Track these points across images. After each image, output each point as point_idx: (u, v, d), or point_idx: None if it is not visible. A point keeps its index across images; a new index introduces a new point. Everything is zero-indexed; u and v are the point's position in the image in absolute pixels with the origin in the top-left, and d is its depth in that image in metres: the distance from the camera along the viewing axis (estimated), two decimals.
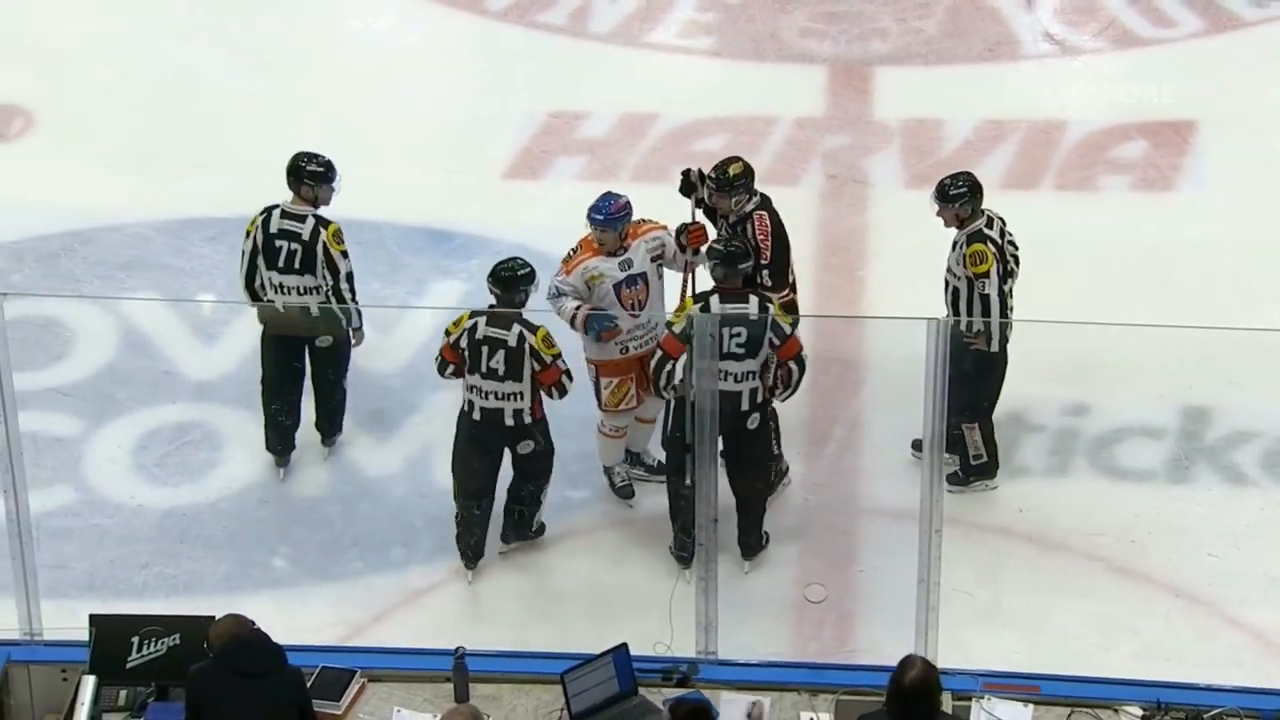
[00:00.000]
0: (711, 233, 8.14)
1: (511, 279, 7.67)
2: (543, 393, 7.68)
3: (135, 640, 6.75)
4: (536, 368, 7.61)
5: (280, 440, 8.42)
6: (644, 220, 8.11)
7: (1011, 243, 8.15)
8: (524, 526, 8.00)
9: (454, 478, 7.87)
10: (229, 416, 8.70)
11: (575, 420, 8.26)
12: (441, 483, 8.28)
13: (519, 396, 7.65)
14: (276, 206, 8.28)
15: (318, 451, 8.53)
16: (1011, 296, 8.10)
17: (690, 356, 7.31)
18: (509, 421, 7.69)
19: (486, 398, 7.66)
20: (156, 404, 8.80)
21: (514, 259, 7.77)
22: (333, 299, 8.20)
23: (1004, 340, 8.02)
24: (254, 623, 6.29)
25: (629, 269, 7.99)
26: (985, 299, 7.94)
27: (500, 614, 7.84)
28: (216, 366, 8.97)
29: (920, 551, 6.99)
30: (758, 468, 7.82)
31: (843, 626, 7.70)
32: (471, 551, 7.92)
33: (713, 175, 8.02)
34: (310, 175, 8.27)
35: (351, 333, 8.35)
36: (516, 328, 7.61)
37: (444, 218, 10.01)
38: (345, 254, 8.22)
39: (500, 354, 7.60)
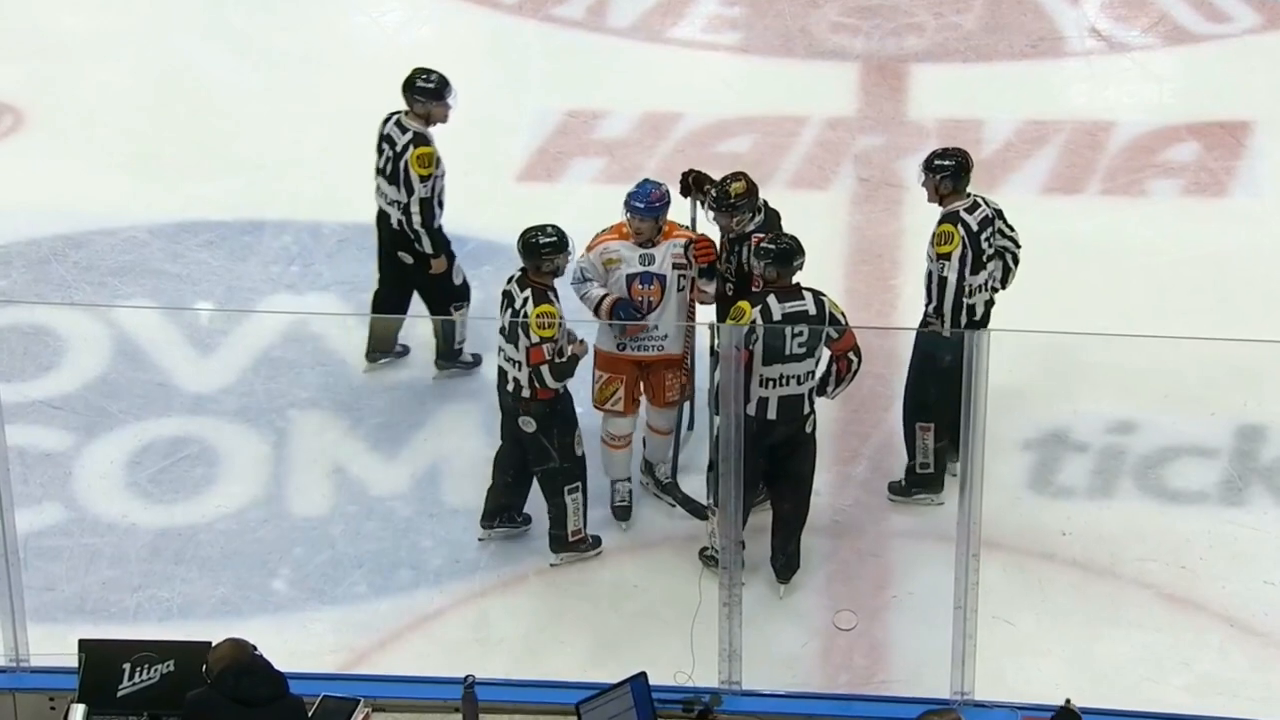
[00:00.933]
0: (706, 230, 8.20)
1: (531, 246, 7.71)
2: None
3: (127, 667, 6.74)
4: (526, 342, 7.63)
5: (371, 338, 8.77)
6: (680, 224, 8.16)
7: (1007, 235, 8.08)
8: (558, 539, 7.99)
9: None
10: (227, 431, 8.71)
11: (586, 434, 8.24)
12: (451, 501, 8.30)
13: (518, 366, 7.68)
14: (398, 113, 8.67)
15: (324, 471, 8.54)
16: (982, 292, 8.03)
17: (719, 370, 7.30)
18: (510, 387, 7.72)
19: (500, 355, 7.75)
20: (151, 417, 8.80)
21: (542, 226, 7.78)
22: (403, 217, 8.51)
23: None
24: (255, 647, 6.28)
25: (649, 265, 7.99)
26: (943, 282, 7.91)
27: (512, 640, 7.82)
28: (214, 378, 8.97)
29: (957, 577, 6.96)
30: (804, 481, 7.81)
31: (874, 656, 7.66)
32: (486, 512, 8.00)
33: (714, 192, 8.02)
34: (420, 90, 8.62)
35: (430, 261, 8.61)
36: (527, 293, 7.66)
37: (455, 222, 9.93)
38: (425, 178, 8.54)
39: (508, 313, 7.67)
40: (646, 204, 7.95)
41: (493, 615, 7.96)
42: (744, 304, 7.60)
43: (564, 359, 7.65)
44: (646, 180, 8.08)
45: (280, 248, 9.82)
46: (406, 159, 8.51)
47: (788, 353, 7.49)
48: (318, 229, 9.88)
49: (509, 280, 7.80)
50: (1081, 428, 8.61)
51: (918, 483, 8.15)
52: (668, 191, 8.02)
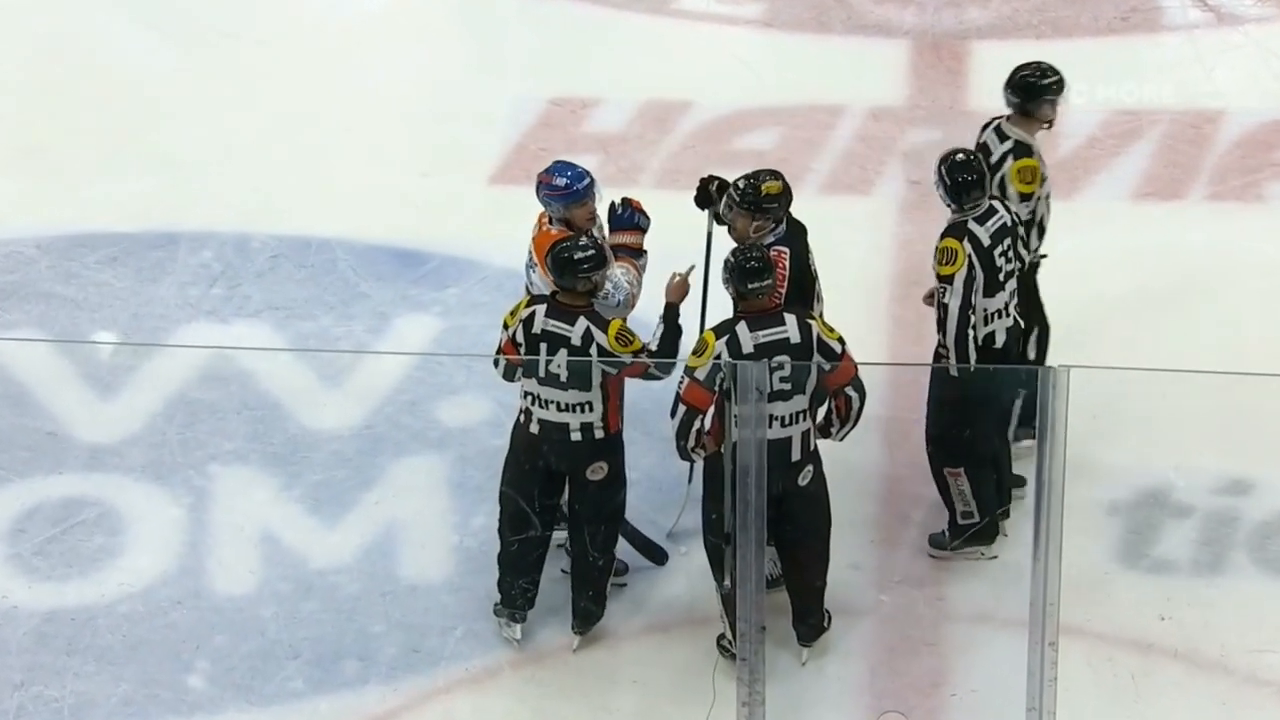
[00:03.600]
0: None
1: (566, 262, 7.70)
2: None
3: None
4: (612, 372, 7.68)
5: None
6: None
7: (1019, 253, 8.16)
8: (591, 615, 8.00)
9: (501, 506, 7.93)
10: (132, 491, 8.69)
11: None
12: (408, 577, 8.28)
13: (587, 408, 7.72)
14: (999, 118, 8.55)
15: (252, 540, 8.53)
16: (1002, 318, 8.06)
17: (725, 410, 7.29)
18: (576, 437, 7.75)
19: (546, 408, 7.74)
20: (38, 475, 8.78)
21: (575, 239, 7.79)
22: None
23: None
24: None
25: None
26: (944, 309, 7.97)
27: None
28: (117, 426, 8.97)
29: (1030, 671, 6.95)
30: (814, 539, 7.79)
31: None
32: (517, 603, 7.96)
33: (740, 185, 8.01)
34: (1020, 87, 8.53)
35: None
36: (582, 323, 7.68)
37: (414, 234, 10.04)
38: (1025, 196, 8.34)
39: (562, 354, 7.68)
40: (584, 185, 8.02)
41: (459, 716, 7.93)
42: (708, 334, 7.62)
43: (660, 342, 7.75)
44: (558, 163, 8.17)
45: (199, 265, 9.83)
46: (1005, 173, 8.37)
47: (767, 392, 7.47)
48: (245, 242, 9.90)
49: (528, 324, 7.71)
50: (1184, 487, 8.58)
51: (963, 533, 8.23)
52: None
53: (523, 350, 7.74)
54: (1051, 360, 8.10)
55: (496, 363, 7.84)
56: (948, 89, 10.93)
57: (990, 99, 10.79)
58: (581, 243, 7.76)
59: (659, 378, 7.77)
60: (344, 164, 10.45)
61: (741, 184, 8.00)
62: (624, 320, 7.76)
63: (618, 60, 11.29)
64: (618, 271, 7.92)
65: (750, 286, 7.58)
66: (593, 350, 7.64)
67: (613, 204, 8.08)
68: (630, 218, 8.07)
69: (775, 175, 8.06)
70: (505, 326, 7.79)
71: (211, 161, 10.23)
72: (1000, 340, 8.06)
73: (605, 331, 7.66)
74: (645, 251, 8.09)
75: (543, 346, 7.71)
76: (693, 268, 7.98)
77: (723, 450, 7.49)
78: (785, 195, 8.03)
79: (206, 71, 11.05)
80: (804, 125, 10.63)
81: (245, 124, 10.74)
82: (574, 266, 7.69)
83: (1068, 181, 10.10)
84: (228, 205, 10.17)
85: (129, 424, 8.98)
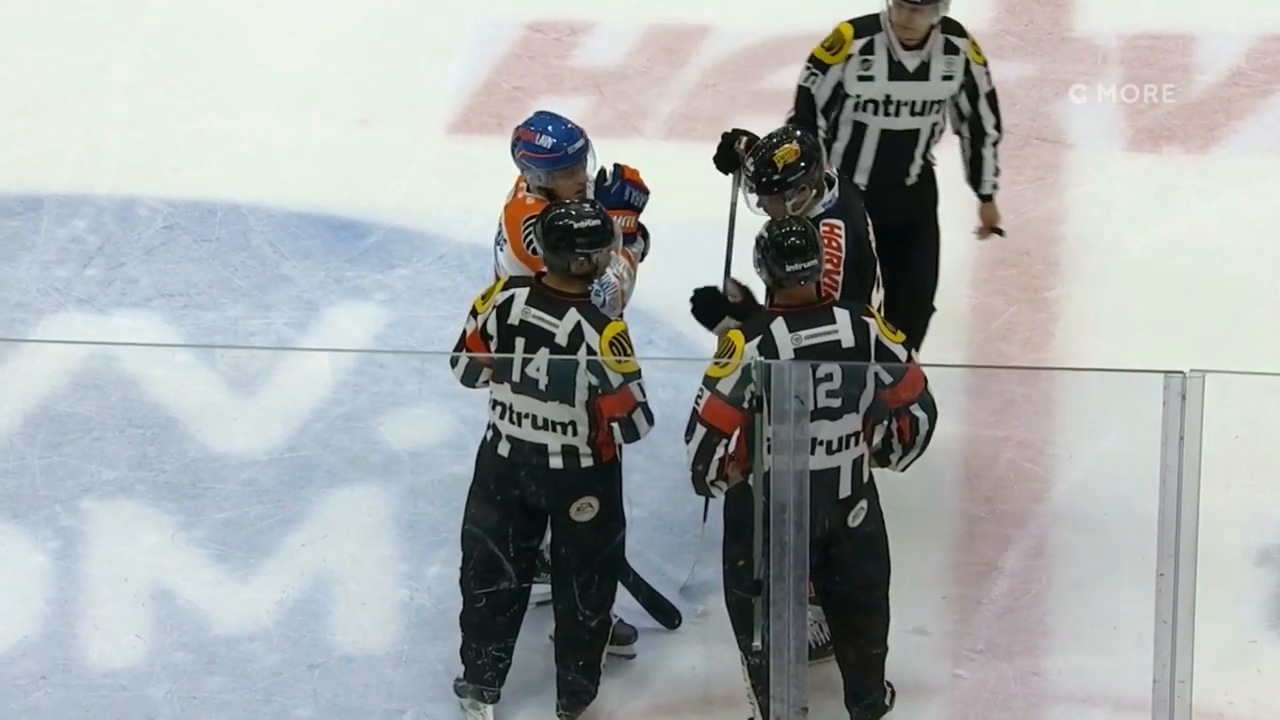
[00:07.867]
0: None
1: (562, 234, 7.71)
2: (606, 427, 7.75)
3: None
4: (596, 387, 7.70)
5: None
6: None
7: None
8: (588, 678, 8.01)
9: (464, 551, 7.93)
10: None
11: None
12: (343, 645, 8.32)
13: (570, 428, 7.75)
14: None
15: (139, 597, 8.56)
16: None
17: (754, 427, 7.32)
18: (556, 463, 7.78)
19: (519, 423, 7.77)
20: None
21: (579, 204, 7.78)
22: None
23: None
24: None
25: None
26: None
27: None
28: None
29: None
30: (870, 595, 7.81)
31: None
32: (486, 677, 7.98)
33: (751, 164, 8.03)
34: None
35: None
36: (573, 316, 7.70)
37: (350, 200, 10.07)
38: None
39: (543, 354, 7.70)
40: (576, 148, 8.03)
41: None
42: (735, 335, 7.61)
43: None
44: (542, 115, 8.14)
45: (69, 239, 9.87)
46: None
47: (810, 406, 7.52)
48: (129, 209, 9.94)
49: (504, 312, 7.74)
50: None
51: None
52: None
53: (494, 345, 7.76)
54: (1140, 360, 8.09)
55: (455, 361, 7.86)
56: (1045, 8, 10.95)
57: (1102, 20, 10.90)
58: (581, 209, 7.74)
59: (637, 432, 7.77)
60: (258, 108, 10.46)
61: (752, 165, 8.00)
62: (624, 322, 7.78)
63: None
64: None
65: (790, 269, 7.58)
66: (581, 353, 7.65)
67: (601, 171, 8.08)
68: (621, 192, 8.08)
69: (789, 135, 8.05)
70: (474, 313, 7.79)
71: (84, 103, 10.22)
72: None
73: (600, 332, 7.68)
74: (645, 235, 8.11)
75: (519, 342, 7.73)
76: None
77: (751, 481, 7.52)
78: (813, 152, 8.02)
79: None
80: None
81: (128, 55, 10.76)
82: (570, 240, 7.68)
83: (1203, 130, 10.13)
84: (105, 160, 10.20)
85: None
